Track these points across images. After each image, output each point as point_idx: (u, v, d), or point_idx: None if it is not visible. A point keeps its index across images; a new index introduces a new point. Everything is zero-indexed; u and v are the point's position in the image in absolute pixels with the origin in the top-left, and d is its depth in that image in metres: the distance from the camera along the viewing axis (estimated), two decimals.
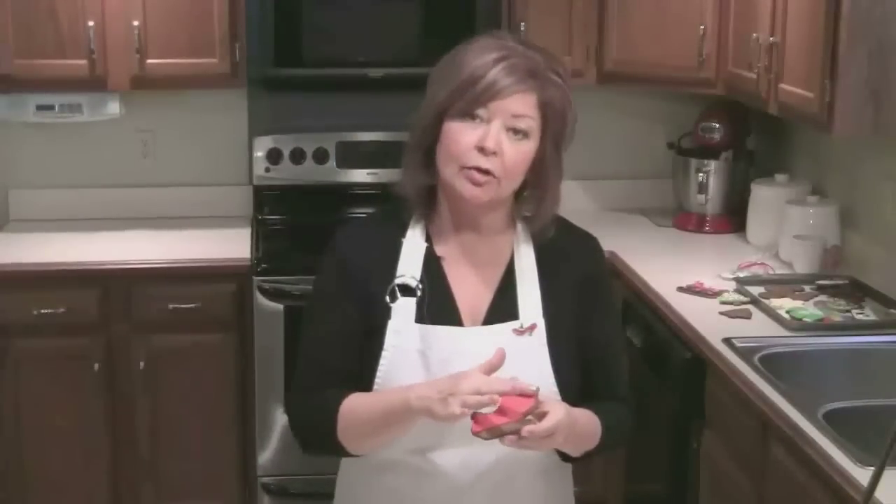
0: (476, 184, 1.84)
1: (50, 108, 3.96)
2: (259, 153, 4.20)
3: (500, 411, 1.75)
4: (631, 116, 4.46)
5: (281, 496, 3.81)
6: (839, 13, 2.89)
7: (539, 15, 3.97)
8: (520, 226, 1.98)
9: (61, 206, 4.25)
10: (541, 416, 1.75)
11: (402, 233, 1.95)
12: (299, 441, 1.97)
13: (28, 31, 3.75)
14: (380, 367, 1.89)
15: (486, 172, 1.83)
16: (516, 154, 1.84)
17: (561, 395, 1.89)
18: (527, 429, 1.73)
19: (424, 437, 1.88)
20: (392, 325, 1.89)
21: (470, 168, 1.83)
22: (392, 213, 1.98)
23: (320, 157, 4.22)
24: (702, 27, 3.76)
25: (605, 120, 4.42)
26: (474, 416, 1.76)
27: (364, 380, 1.91)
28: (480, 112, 1.82)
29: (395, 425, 1.83)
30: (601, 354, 2.01)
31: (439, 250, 1.94)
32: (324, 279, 1.97)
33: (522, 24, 3.95)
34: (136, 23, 3.79)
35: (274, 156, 4.20)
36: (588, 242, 2.07)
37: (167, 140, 4.30)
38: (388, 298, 1.90)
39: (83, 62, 3.79)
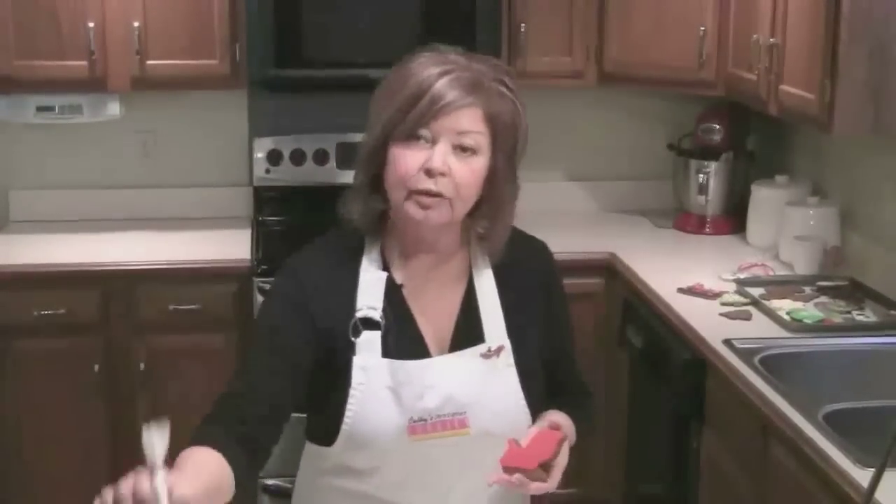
0: (425, 207, 1.76)
1: (50, 109, 3.96)
2: (259, 154, 4.21)
3: (527, 451, 1.73)
4: (631, 117, 4.45)
5: (281, 497, 3.80)
6: (839, 13, 2.89)
7: (539, 15, 3.97)
8: (474, 243, 1.90)
9: (61, 206, 4.25)
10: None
11: (358, 261, 1.87)
12: None
13: (28, 32, 3.75)
14: (349, 407, 1.80)
15: (435, 195, 1.76)
16: (466, 172, 1.77)
17: (530, 410, 1.86)
18: (535, 486, 1.72)
19: (397, 474, 1.85)
20: (358, 362, 1.81)
21: (419, 192, 1.76)
22: (343, 239, 1.90)
23: (320, 158, 4.22)
24: (702, 28, 3.76)
25: (605, 120, 4.42)
26: (509, 443, 1.74)
27: (331, 419, 1.82)
28: (424, 132, 1.74)
29: None
30: (562, 353, 2.00)
31: (398, 277, 1.87)
32: (271, 314, 1.86)
33: (522, 24, 3.95)
34: (136, 24, 3.79)
35: (274, 157, 4.20)
36: (542, 251, 2.00)
37: (167, 141, 4.30)
38: (350, 334, 1.82)
39: (83, 63, 3.79)
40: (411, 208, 1.77)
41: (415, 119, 1.74)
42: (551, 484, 1.74)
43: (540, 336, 1.93)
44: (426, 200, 1.76)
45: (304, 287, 1.85)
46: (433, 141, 1.75)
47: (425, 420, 1.81)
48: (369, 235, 1.88)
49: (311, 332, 1.82)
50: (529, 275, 1.95)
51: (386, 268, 1.87)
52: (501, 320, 1.89)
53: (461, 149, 1.76)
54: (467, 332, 1.87)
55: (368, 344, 1.82)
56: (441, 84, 1.74)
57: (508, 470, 1.72)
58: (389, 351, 1.82)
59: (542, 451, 1.74)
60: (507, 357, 1.87)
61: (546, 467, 1.73)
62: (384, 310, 1.83)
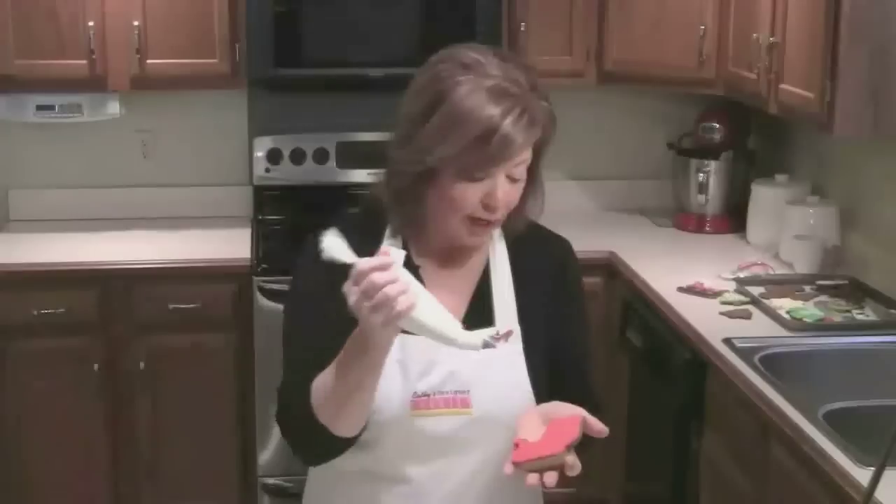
0: (480, 234, 1.85)
1: (50, 108, 3.96)
2: (259, 153, 4.21)
3: (544, 441, 1.71)
4: (631, 116, 4.46)
5: (281, 496, 3.81)
6: (839, 13, 2.89)
7: (539, 15, 3.97)
8: (495, 233, 1.94)
9: (61, 206, 4.25)
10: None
11: (379, 239, 1.91)
12: (294, 448, 1.88)
13: (28, 31, 3.75)
14: None
15: (492, 222, 1.84)
16: (514, 193, 1.83)
17: (536, 400, 1.87)
18: (570, 460, 1.67)
19: (395, 445, 1.86)
20: None
21: (476, 220, 1.82)
22: (367, 219, 1.93)
23: (320, 157, 4.22)
24: (702, 27, 3.76)
25: (605, 120, 4.42)
26: (517, 443, 1.72)
27: None
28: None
29: (367, 376, 1.72)
30: (572, 357, 1.98)
31: (416, 259, 1.91)
32: (309, 280, 1.90)
33: (522, 24, 3.95)
34: (136, 23, 3.79)
35: (274, 156, 4.20)
36: (561, 245, 2.03)
37: (167, 140, 4.30)
38: None
39: (83, 62, 3.79)
40: (463, 232, 1.84)
41: (483, 164, 1.76)
42: (579, 464, 1.71)
43: (546, 331, 1.93)
44: (483, 227, 1.83)
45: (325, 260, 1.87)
46: (491, 175, 1.79)
47: (428, 395, 1.84)
48: (397, 222, 1.91)
49: (340, 298, 1.82)
50: (546, 269, 1.97)
51: (405, 248, 1.90)
52: (514, 307, 1.91)
53: (512, 177, 1.81)
54: (479, 316, 1.89)
55: None
56: (507, 127, 1.74)
57: (526, 465, 1.69)
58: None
59: (564, 435, 1.70)
60: (516, 343, 1.89)
61: (571, 448, 1.70)
62: None
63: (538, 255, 1.97)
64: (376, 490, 1.91)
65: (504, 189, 1.80)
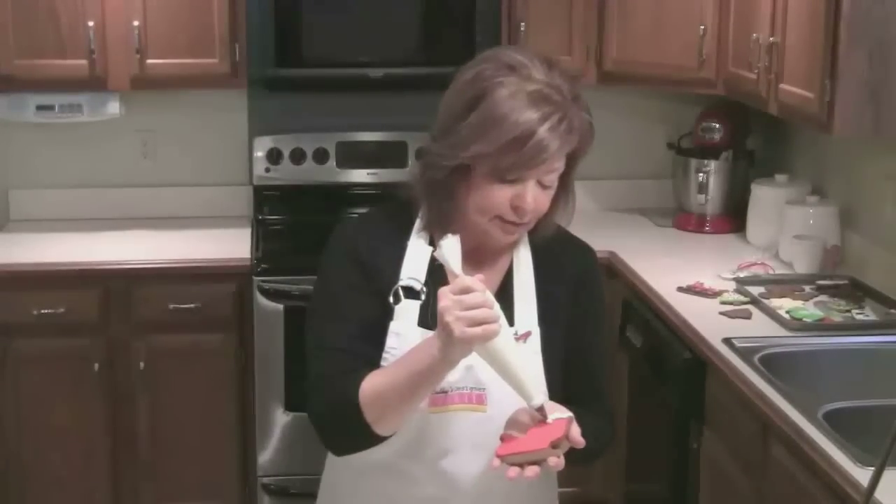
0: (509, 234, 1.87)
1: (50, 108, 3.96)
2: (259, 153, 4.21)
3: (529, 437, 1.73)
4: (631, 116, 4.46)
5: (281, 496, 3.81)
6: (839, 13, 2.89)
7: (539, 15, 3.97)
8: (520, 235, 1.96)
9: (61, 206, 4.25)
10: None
11: (407, 234, 1.93)
12: (325, 437, 1.89)
13: (28, 31, 3.75)
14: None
15: (521, 224, 1.86)
16: (545, 200, 1.86)
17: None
18: (553, 461, 1.71)
19: (412, 441, 1.87)
20: (393, 327, 1.87)
21: (505, 221, 1.84)
22: (395, 213, 1.96)
23: (320, 157, 4.22)
24: (702, 27, 3.76)
25: (605, 120, 4.37)
26: (503, 438, 1.75)
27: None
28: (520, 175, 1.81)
29: (424, 386, 1.77)
30: (587, 363, 1.99)
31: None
32: (339, 270, 1.91)
33: (522, 24, 3.95)
34: (136, 23, 3.79)
35: (274, 156, 4.20)
36: (585, 252, 2.05)
37: (167, 140, 4.30)
38: (391, 299, 1.87)
39: (83, 62, 3.79)
40: (493, 231, 1.86)
41: (516, 166, 1.79)
42: (563, 460, 1.75)
43: (564, 336, 1.95)
44: (512, 228, 1.86)
45: (361, 247, 1.91)
46: (524, 179, 1.81)
47: (446, 392, 1.86)
48: (426, 217, 1.93)
49: (370, 287, 1.88)
50: (566, 273, 1.98)
51: (432, 244, 1.91)
52: (534, 309, 1.93)
53: (543, 184, 1.84)
54: None
55: (406, 312, 1.87)
56: (543, 133, 1.76)
57: (509, 458, 1.71)
58: (425, 321, 1.87)
59: (549, 433, 1.73)
60: (535, 344, 1.90)
61: (556, 445, 1.72)
62: (426, 283, 1.88)
63: (562, 260, 1.99)
64: (392, 486, 1.93)
65: (534, 194, 1.82)
